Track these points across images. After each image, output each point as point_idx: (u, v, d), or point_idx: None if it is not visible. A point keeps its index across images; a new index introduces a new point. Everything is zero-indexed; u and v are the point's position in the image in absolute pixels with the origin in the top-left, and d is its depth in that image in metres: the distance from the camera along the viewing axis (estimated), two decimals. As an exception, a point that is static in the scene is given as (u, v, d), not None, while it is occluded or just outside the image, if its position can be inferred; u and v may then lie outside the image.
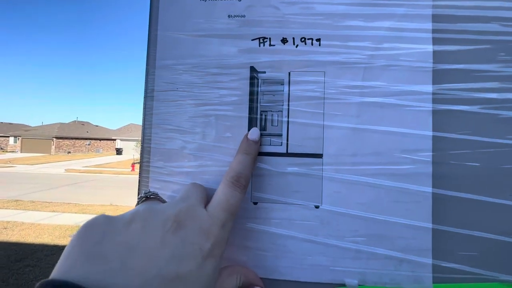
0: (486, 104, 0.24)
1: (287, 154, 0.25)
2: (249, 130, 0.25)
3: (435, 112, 0.24)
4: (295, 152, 0.25)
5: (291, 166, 0.25)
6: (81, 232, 0.16)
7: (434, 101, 0.24)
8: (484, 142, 0.23)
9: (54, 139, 24.53)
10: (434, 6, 0.24)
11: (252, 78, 0.25)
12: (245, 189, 0.22)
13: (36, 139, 24.98)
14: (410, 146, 0.24)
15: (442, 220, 0.23)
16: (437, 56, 0.24)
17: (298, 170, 0.25)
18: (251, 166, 0.23)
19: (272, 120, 0.25)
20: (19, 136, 25.76)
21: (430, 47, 0.24)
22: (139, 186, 0.26)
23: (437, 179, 0.23)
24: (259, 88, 0.25)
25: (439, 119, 0.24)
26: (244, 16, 0.26)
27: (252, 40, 0.26)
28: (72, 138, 26.00)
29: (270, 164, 0.25)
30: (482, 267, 0.23)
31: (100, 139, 28.56)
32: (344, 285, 0.24)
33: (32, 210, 5.10)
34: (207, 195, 0.23)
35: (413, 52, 0.24)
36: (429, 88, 0.24)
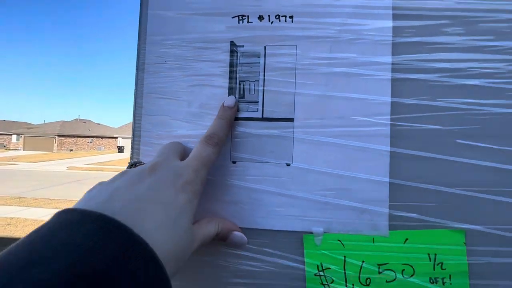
0: (440, 73, 0.27)
1: (263, 119, 0.28)
2: (229, 98, 0.28)
3: (394, 80, 0.27)
4: (270, 117, 0.28)
5: (266, 129, 0.28)
6: (89, 190, 0.21)
7: (393, 70, 0.27)
8: (437, 107, 0.26)
9: (56, 137, 24.66)
10: (395, -14, 0.27)
11: (232, 51, 0.28)
12: (217, 146, 0.25)
13: (39, 137, 25.13)
14: (371, 111, 0.27)
15: (398, 174, 0.26)
16: (396, 31, 0.27)
17: (272, 132, 0.28)
18: (224, 128, 0.26)
19: (249, 89, 0.28)
20: (21, 134, 25.92)
21: (390, 22, 0.27)
22: (131, 148, 0.29)
23: (394, 139, 0.26)
24: (238, 61, 0.28)
25: (398, 86, 0.27)
26: (225, -4, 0.29)
27: (232, 17, 0.29)
28: (74, 136, 26.13)
29: (247, 128, 0.28)
30: (433, 215, 0.26)
31: (102, 137, 28.70)
32: (311, 233, 0.27)
33: (35, 207, 5.17)
34: (185, 152, 0.26)
35: (375, 27, 0.27)
36: (389, 59, 0.27)
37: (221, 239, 0.26)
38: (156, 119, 0.29)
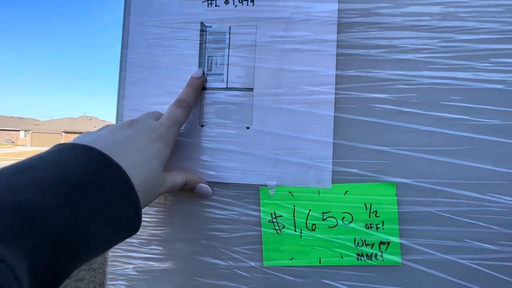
0: (378, 49, 0.31)
1: (227, 89, 0.32)
2: (199, 71, 0.33)
3: (338, 55, 0.31)
4: (233, 86, 0.32)
5: (229, 97, 0.32)
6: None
7: (338, 46, 0.31)
8: (375, 78, 0.31)
9: (63, 133, 25.03)
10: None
11: (202, 31, 0.33)
12: (186, 109, 0.30)
13: (46, 133, 25.53)
14: (318, 81, 0.31)
15: (341, 136, 0.31)
16: (341, 12, 0.31)
17: (235, 100, 0.32)
18: (193, 94, 0.31)
19: (216, 63, 0.33)
20: (29, 130, 26.35)
21: (336, 5, 0.31)
22: (116, 114, 0.34)
23: (338, 105, 0.31)
24: (207, 39, 0.33)
25: (341, 60, 0.31)
26: (197, -17, 0.33)
27: (202, 2, 0.33)
28: (80, 133, 26.51)
29: (214, 96, 0.33)
30: (370, 171, 0.30)
31: (107, 134, 28.98)
32: (266, 185, 0.31)
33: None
34: (161, 117, 0.31)
35: (323, 9, 0.31)
36: (334, 36, 0.31)
37: (189, 190, 0.31)
38: (138, 88, 0.34)
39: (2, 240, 0.15)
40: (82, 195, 0.19)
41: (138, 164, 0.24)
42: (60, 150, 0.21)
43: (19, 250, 0.16)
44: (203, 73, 0.32)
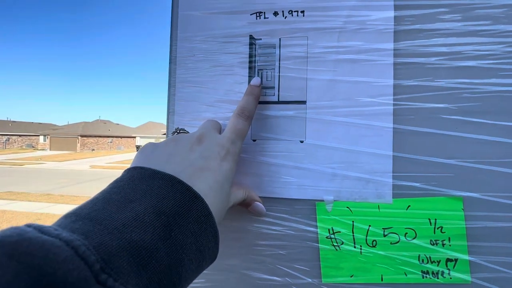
0: (438, 56, 0.29)
1: (279, 102, 0.32)
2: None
3: (395, 64, 0.30)
4: (285, 100, 0.32)
5: (281, 111, 0.32)
6: (140, 149, 0.26)
7: (395, 55, 0.30)
8: (435, 87, 0.29)
9: (79, 137, 25.82)
10: (397, -20, 0.30)
11: (251, 44, 0.33)
12: (248, 119, 0.29)
13: (63, 137, 26.41)
14: (375, 92, 0.30)
15: (401, 148, 0.30)
16: (397, 20, 0.30)
17: (287, 113, 0.32)
18: (253, 103, 0.30)
19: (267, 76, 0.32)
20: (47, 135, 27.34)
21: (391, 13, 0.30)
22: (167, 128, 0.34)
23: (397, 117, 0.30)
24: (256, 52, 0.32)
25: (399, 69, 0.30)
26: (244, -4, 0.33)
27: (251, 14, 0.33)
28: (95, 136, 27.26)
29: (265, 110, 0.32)
30: (433, 185, 0.29)
31: (121, 137, 29.73)
32: (322, 200, 0.31)
33: (61, 203, 5.48)
34: (221, 128, 0.30)
35: (378, 17, 0.30)
36: (390, 45, 0.30)
37: (245, 206, 0.31)
38: (187, 104, 0.34)
39: (126, 278, 0.15)
40: (179, 226, 0.19)
41: (213, 189, 0.23)
42: (144, 178, 0.21)
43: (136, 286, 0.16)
44: (260, 81, 0.31)
